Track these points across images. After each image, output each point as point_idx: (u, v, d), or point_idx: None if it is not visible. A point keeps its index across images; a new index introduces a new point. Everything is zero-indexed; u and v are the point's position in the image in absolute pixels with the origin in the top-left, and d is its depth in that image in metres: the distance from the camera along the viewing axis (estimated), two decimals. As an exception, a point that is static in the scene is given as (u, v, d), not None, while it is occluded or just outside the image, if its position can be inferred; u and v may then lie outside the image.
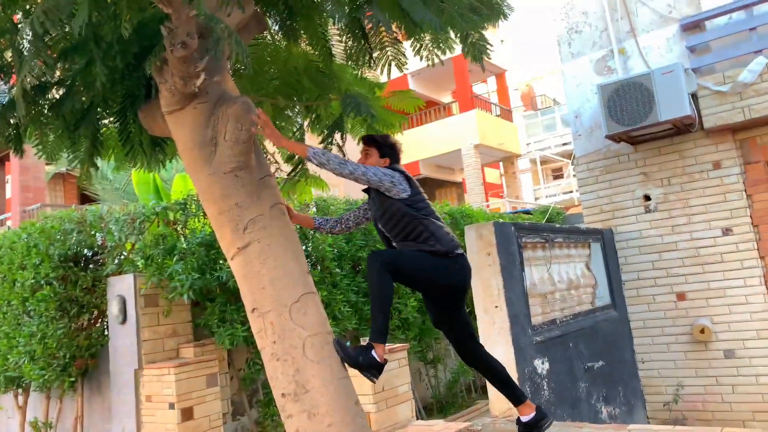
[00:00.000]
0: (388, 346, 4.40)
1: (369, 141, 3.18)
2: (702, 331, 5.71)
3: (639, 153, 6.35)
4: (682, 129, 5.93)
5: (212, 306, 5.05)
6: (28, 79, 2.65)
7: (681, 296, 5.95)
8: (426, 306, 3.26)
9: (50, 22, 2.35)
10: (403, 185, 2.96)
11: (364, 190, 3.13)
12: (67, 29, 2.94)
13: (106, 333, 5.33)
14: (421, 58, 3.56)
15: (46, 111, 3.31)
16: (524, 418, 3.09)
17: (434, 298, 3.11)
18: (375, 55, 3.68)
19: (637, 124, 5.69)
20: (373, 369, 2.65)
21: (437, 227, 2.96)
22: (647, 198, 6.25)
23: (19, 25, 2.82)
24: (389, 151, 3.15)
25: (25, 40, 2.78)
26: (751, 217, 5.70)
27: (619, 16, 6.65)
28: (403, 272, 2.82)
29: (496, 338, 3.95)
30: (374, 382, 2.77)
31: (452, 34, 3.60)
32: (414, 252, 2.89)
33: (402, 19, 3.39)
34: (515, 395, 3.13)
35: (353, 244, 6.25)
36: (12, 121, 3.31)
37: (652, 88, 5.60)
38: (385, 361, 2.73)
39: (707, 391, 5.76)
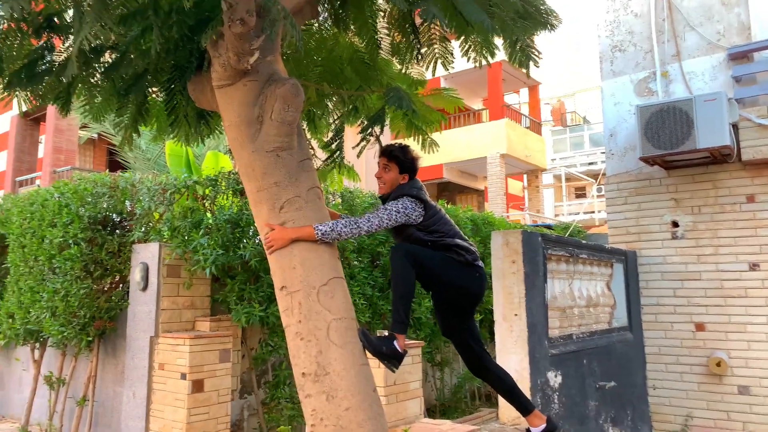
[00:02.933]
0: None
1: (390, 156, 3.14)
2: (718, 364, 5.64)
3: (672, 178, 6.29)
4: (718, 158, 5.86)
5: (232, 283, 5.11)
6: (86, 41, 2.71)
7: (700, 327, 5.88)
8: (437, 313, 3.28)
9: (116, -14, 2.40)
10: (417, 211, 2.95)
11: (380, 196, 3.20)
12: (128, -5, 3.01)
13: (126, 298, 5.42)
14: (468, 59, 3.57)
15: (98, 74, 3.39)
16: (535, 429, 3.09)
17: (447, 303, 3.12)
18: (423, 51, 3.69)
19: (673, 149, 5.64)
20: (394, 359, 2.69)
21: (455, 243, 2.99)
22: (675, 224, 6.19)
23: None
24: (409, 166, 3.13)
25: (86, 2, 2.84)
26: (780, 254, 5.62)
27: (666, 38, 6.59)
28: (424, 266, 2.86)
29: (512, 346, 3.95)
30: (394, 372, 2.82)
31: (498, 39, 3.61)
32: (437, 253, 2.94)
33: (454, 19, 3.40)
34: (523, 405, 3.14)
35: (374, 238, 6.28)
36: (63, 80, 3.39)
37: (693, 114, 5.55)
38: (405, 352, 2.77)
39: (717, 425, 5.69)
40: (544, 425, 3.09)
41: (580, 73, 27.40)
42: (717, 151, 5.61)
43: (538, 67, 3.51)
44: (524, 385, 3.88)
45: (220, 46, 2.74)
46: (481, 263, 3.07)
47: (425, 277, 2.97)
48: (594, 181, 22.97)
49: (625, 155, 6.64)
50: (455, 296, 3.06)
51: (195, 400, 4.62)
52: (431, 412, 6.93)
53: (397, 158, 3.10)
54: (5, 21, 2.91)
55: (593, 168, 25.60)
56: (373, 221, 2.80)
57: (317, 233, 2.62)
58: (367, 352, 2.60)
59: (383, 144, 3.83)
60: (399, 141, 3.46)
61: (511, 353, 3.96)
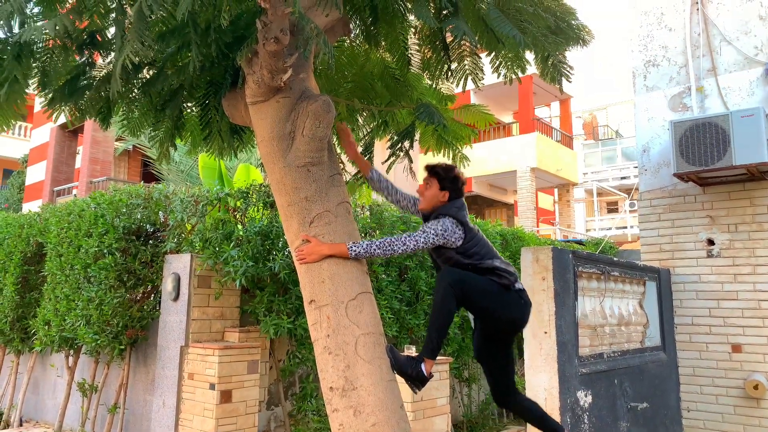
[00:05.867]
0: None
1: (431, 172, 3.09)
2: (755, 387, 5.46)
3: (707, 195, 6.15)
4: (756, 175, 5.72)
5: (261, 294, 5.16)
6: (129, 58, 2.80)
7: (736, 348, 5.71)
8: (474, 334, 3.22)
9: (156, 5, 2.48)
10: (457, 234, 2.87)
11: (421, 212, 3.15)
12: (165, 14, 3.11)
13: (157, 307, 5.52)
14: (499, 75, 3.57)
15: (136, 89, 3.49)
16: None
17: (489, 329, 3.07)
18: (453, 67, 3.71)
19: (708, 166, 5.52)
20: (418, 381, 2.69)
21: (495, 266, 2.90)
22: (711, 242, 6.05)
23: (125, 5, 2.98)
24: (449, 185, 3.05)
25: (128, 20, 2.94)
26: (821, 275, 5.43)
27: (701, 53, 6.48)
28: (469, 296, 2.80)
29: (541, 364, 3.89)
30: (415, 393, 2.81)
31: (528, 54, 3.61)
32: (484, 278, 2.87)
33: (485, 35, 3.42)
34: (552, 428, 3.11)
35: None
36: (103, 95, 3.51)
37: (729, 130, 5.43)
38: (431, 376, 2.75)
39: (754, 450, 5.50)
40: None
41: (613, 86, 27.09)
42: (755, 167, 5.47)
43: (570, 82, 3.49)
44: (553, 404, 3.81)
45: (255, 63, 2.80)
46: (522, 285, 3.00)
47: (470, 305, 2.91)
48: (626, 195, 22.60)
49: (658, 171, 6.53)
50: (499, 326, 3.01)
51: (223, 411, 4.67)
52: (458, 428, 6.85)
53: (438, 174, 3.05)
54: (51, 38, 3.02)
55: (626, 183, 25.21)
56: (409, 244, 2.75)
57: (351, 253, 2.65)
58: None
59: (412, 158, 3.85)
60: (445, 162, 3.45)
61: (541, 371, 3.90)
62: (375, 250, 2.68)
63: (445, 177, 3.05)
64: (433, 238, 2.80)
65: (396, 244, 2.73)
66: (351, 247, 2.65)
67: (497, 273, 2.88)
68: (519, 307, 2.93)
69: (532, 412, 3.12)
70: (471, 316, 3.18)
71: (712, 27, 6.41)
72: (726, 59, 6.30)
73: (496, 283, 2.86)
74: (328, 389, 2.54)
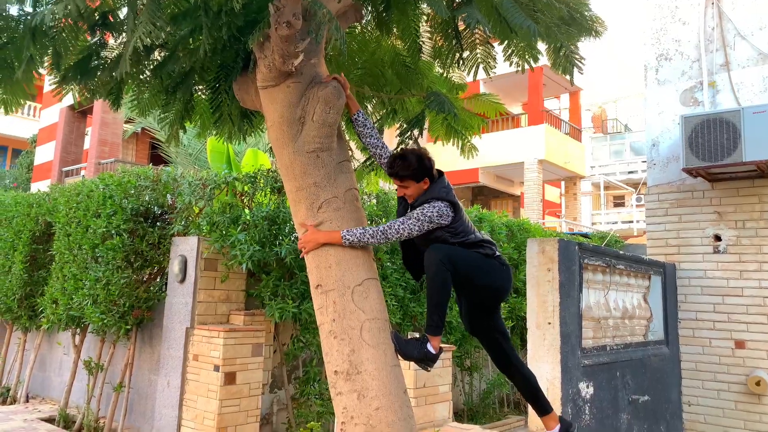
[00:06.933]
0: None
1: (397, 176, 2.93)
2: (758, 384, 5.47)
3: (715, 191, 6.12)
4: (766, 172, 5.68)
5: (267, 279, 5.20)
6: (140, 40, 2.81)
7: (740, 344, 5.71)
8: (461, 312, 3.22)
9: (169, -12, 2.48)
10: (448, 215, 2.82)
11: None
12: (178, -4, 3.10)
13: (164, 289, 5.57)
14: (511, 64, 3.55)
15: (147, 71, 3.50)
16: None
17: (476, 300, 3.07)
18: (465, 55, 3.69)
19: (718, 161, 5.49)
20: (428, 360, 2.72)
21: (480, 239, 2.95)
22: (718, 238, 6.03)
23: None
24: (422, 172, 2.90)
25: (140, 1, 2.94)
26: (828, 273, 5.41)
27: (715, 48, 6.42)
28: (460, 272, 2.82)
29: (544, 354, 3.91)
30: (428, 371, 2.86)
31: (540, 45, 3.59)
32: (470, 252, 2.89)
33: (498, 25, 3.40)
34: (543, 406, 3.10)
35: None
36: (114, 76, 3.51)
37: (740, 126, 5.39)
38: (441, 351, 2.80)
39: (753, 446, 5.52)
40: (558, 426, 3.06)
41: (623, 79, 26.86)
42: (765, 164, 5.44)
43: (582, 74, 3.47)
44: (555, 394, 3.84)
45: (266, 47, 2.80)
46: (499, 252, 3.06)
47: (460, 281, 2.92)
48: (633, 190, 22.51)
49: (667, 166, 6.50)
50: (487, 296, 3.03)
51: (227, 392, 4.72)
52: (459, 416, 6.90)
53: (408, 174, 2.90)
54: (63, 18, 3.02)
55: (633, 177, 25.08)
56: (403, 232, 2.75)
57: (345, 242, 2.67)
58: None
59: (421, 147, 3.82)
60: (398, 150, 3.29)
61: (543, 362, 3.92)
62: (368, 239, 2.69)
63: (415, 170, 2.90)
64: (428, 225, 2.78)
65: (390, 232, 2.73)
66: (345, 236, 2.66)
67: (481, 245, 2.91)
68: (501, 272, 2.97)
69: (528, 383, 3.11)
70: (454, 294, 3.16)
71: (726, 21, 6.35)
72: (740, 54, 6.25)
73: (481, 254, 2.91)
74: (332, 373, 2.56)
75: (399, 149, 3.47)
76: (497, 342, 3.11)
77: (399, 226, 2.75)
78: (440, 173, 3.01)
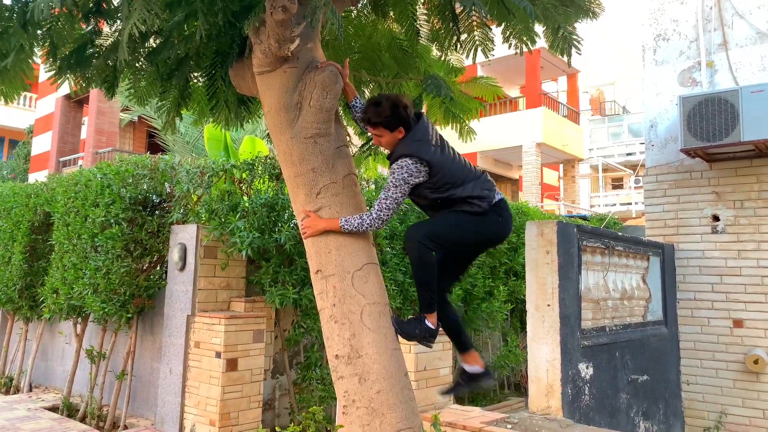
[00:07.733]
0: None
1: (371, 123, 2.83)
2: (756, 362, 5.52)
3: (713, 171, 6.13)
4: (764, 152, 5.68)
5: (267, 265, 5.21)
6: (136, 27, 2.79)
7: (738, 323, 5.75)
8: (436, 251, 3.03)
9: (163, -27, 2.45)
10: (420, 170, 2.70)
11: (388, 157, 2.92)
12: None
13: (164, 277, 5.58)
14: (510, 46, 3.54)
15: (142, 58, 3.48)
16: (469, 368, 3.02)
17: (464, 250, 3.03)
18: (463, 38, 3.67)
19: (716, 141, 5.49)
20: (429, 337, 2.77)
21: (467, 195, 2.76)
22: (716, 218, 6.04)
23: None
24: (396, 120, 2.76)
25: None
26: (825, 252, 5.44)
27: (713, 27, 6.38)
28: (442, 243, 2.77)
29: (543, 336, 3.94)
30: (431, 347, 2.91)
31: (537, 27, 3.57)
32: (452, 215, 2.79)
33: (495, 6, 3.38)
34: (462, 342, 3.05)
35: (407, 225, 6.29)
36: (110, 64, 3.50)
37: (738, 106, 5.38)
38: (439, 326, 2.83)
39: (752, 423, 5.58)
40: (481, 370, 2.99)
41: (621, 61, 26.73)
42: (763, 144, 5.44)
43: (580, 54, 3.46)
44: (555, 375, 3.87)
45: (262, 32, 2.78)
46: (499, 196, 2.87)
47: (451, 249, 2.87)
48: (632, 172, 22.50)
49: (665, 146, 6.49)
50: (482, 246, 3.02)
51: (229, 378, 4.75)
52: (459, 399, 6.96)
53: (379, 122, 2.77)
54: (57, 6, 3.00)
55: (631, 159, 25.07)
56: (390, 204, 2.68)
57: (343, 229, 2.68)
58: (399, 337, 2.65)
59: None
60: (375, 95, 3.17)
61: (543, 343, 3.95)
62: (367, 226, 2.69)
63: (387, 118, 2.76)
64: (405, 187, 2.70)
65: (382, 213, 2.68)
66: (343, 226, 2.67)
67: (468, 202, 2.75)
68: (496, 224, 2.85)
69: (450, 321, 3.01)
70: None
71: (725, 0, 6.30)
72: (738, 34, 6.21)
73: (468, 213, 2.76)
74: (333, 357, 2.58)
75: (377, 95, 3.24)
76: (447, 275, 2.98)
77: (383, 201, 2.70)
78: (418, 118, 2.85)
